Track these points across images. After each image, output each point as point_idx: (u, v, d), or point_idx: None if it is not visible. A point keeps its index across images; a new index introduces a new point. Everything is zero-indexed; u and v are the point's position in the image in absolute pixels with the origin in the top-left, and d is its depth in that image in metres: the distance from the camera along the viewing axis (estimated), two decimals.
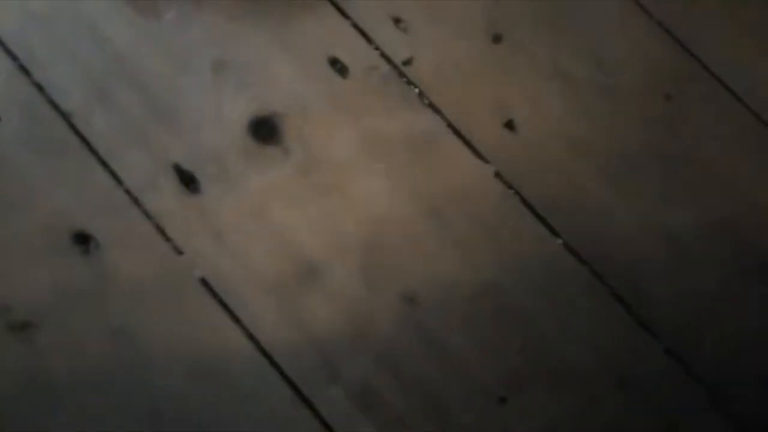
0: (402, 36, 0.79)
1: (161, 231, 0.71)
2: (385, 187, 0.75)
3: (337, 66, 0.78)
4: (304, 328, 0.70)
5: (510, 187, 0.76)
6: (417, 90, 0.78)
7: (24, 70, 0.74)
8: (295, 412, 0.68)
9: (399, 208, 0.75)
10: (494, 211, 0.75)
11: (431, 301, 0.72)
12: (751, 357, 0.74)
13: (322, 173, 0.75)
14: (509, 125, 0.78)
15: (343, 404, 0.69)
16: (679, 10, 0.82)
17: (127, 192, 0.72)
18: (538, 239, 0.75)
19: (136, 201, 0.72)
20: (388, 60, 0.78)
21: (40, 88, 0.74)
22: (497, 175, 0.76)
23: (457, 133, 0.77)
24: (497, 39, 0.80)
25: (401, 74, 0.78)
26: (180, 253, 0.71)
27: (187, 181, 0.73)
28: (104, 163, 0.72)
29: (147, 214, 0.72)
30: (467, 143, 0.77)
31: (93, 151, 0.73)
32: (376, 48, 0.79)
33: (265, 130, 0.75)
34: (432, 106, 0.78)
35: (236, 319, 0.70)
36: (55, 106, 0.73)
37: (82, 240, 0.70)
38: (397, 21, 0.79)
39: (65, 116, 0.73)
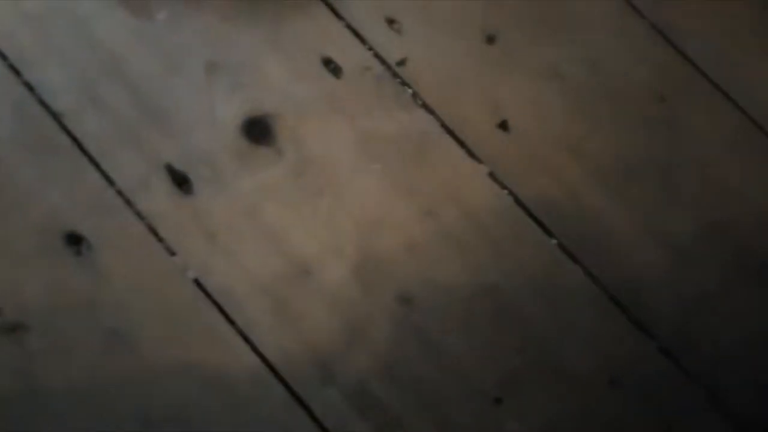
0: (396, 37, 0.79)
1: (154, 232, 0.71)
2: (379, 187, 0.75)
3: (331, 66, 0.77)
4: (298, 329, 0.70)
5: (504, 187, 0.76)
6: (411, 91, 0.78)
7: (14, 70, 0.73)
8: (290, 414, 0.68)
9: (393, 208, 0.74)
10: (488, 211, 0.75)
11: (426, 302, 0.72)
12: (748, 357, 0.74)
13: (315, 174, 0.74)
14: (503, 126, 0.78)
15: (338, 405, 0.69)
16: (674, 12, 0.83)
17: (120, 193, 0.72)
18: (532, 240, 0.75)
19: (128, 202, 0.71)
20: (382, 60, 0.78)
21: (30, 88, 0.73)
22: (491, 175, 0.76)
23: (451, 133, 0.77)
24: (491, 40, 0.80)
25: (395, 75, 0.78)
26: (173, 253, 0.71)
27: (180, 181, 0.73)
28: (96, 164, 0.72)
29: (139, 215, 0.71)
30: (461, 144, 0.77)
31: (85, 152, 0.72)
32: (370, 48, 0.78)
33: (258, 130, 0.75)
34: (426, 107, 0.77)
35: (230, 321, 0.69)
36: (46, 107, 0.73)
37: (74, 241, 0.70)
38: (390, 22, 0.79)
39: (56, 116, 0.73)
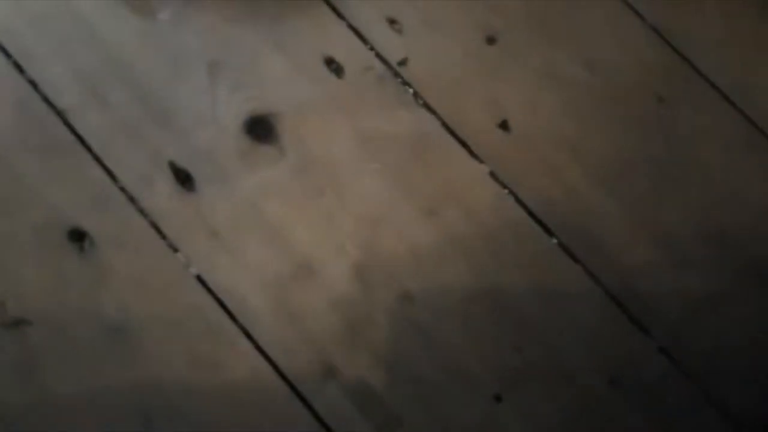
0: (397, 37, 0.79)
1: (157, 228, 0.71)
2: (380, 186, 0.75)
3: (333, 66, 0.78)
4: (300, 326, 0.70)
5: (504, 186, 0.76)
6: (412, 90, 0.78)
7: (18, 67, 0.74)
8: (291, 411, 0.68)
9: (394, 207, 0.75)
10: (489, 210, 0.76)
11: (427, 300, 0.72)
12: (747, 357, 0.74)
13: (317, 173, 0.75)
14: (503, 125, 0.78)
15: (339, 403, 0.69)
16: (672, 13, 0.83)
17: (123, 190, 0.72)
18: (532, 239, 0.75)
19: (131, 198, 0.72)
20: (383, 60, 0.79)
21: (34, 85, 0.73)
22: (492, 174, 0.77)
23: (452, 133, 0.77)
24: (491, 41, 0.80)
25: (396, 74, 0.78)
26: (175, 250, 0.71)
27: (183, 179, 0.73)
28: (99, 161, 0.72)
29: (142, 212, 0.71)
30: (462, 143, 0.77)
31: (88, 149, 0.72)
32: (371, 48, 0.79)
33: (260, 129, 0.75)
34: (427, 107, 0.78)
35: (232, 317, 0.70)
36: (49, 104, 0.73)
37: (77, 237, 0.70)
38: (392, 22, 0.80)
39: (60, 113, 0.73)
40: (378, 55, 0.79)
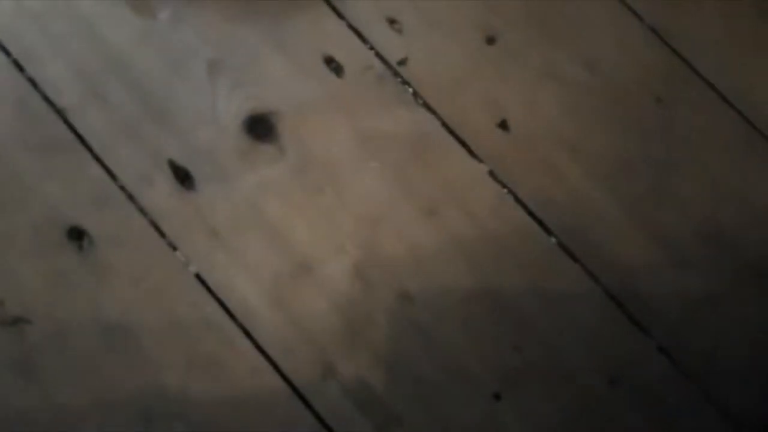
0: (397, 36, 0.79)
1: (156, 227, 0.71)
2: (379, 185, 0.75)
3: (333, 65, 0.78)
4: (299, 325, 0.70)
5: (504, 186, 0.76)
6: (411, 90, 0.78)
7: (18, 66, 0.74)
8: (291, 410, 0.68)
9: (393, 206, 0.75)
10: (488, 210, 0.76)
11: (426, 299, 0.72)
12: (745, 355, 0.74)
13: (316, 171, 0.75)
14: (503, 125, 0.78)
15: (339, 402, 0.69)
16: (671, 14, 0.83)
17: (122, 188, 0.72)
18: (532, 238, 0.75)
19: (130, 197, 0.71)
20: (383, 60, 0.79)
21: (34, 84, 0.73)
22: (491, 174, 0.77)
23: (452, 132, 0.77)
24: (491, 40, 0.81)
25: (396, 74, 0.78)
26: (175, 249, 0.71)
27: (183, 177, 0.73)
28: (99, 159, 0.72)
29: (142, 210, 0.71)
30: (461, 143, 0.77)
31: (87, 147, 0.72)
32: (371, 48, 0.79)
33: (260, 128, 0.75)
34: (426, 106, 0.78)
35: (231, 316, 0.69)
36: (49, 102, 0.73)
37: (77, 236, 0.70)
38: (391, 21, 0.80)
39: (59, 112, 0.73)
40: (378, 55, 0.79)
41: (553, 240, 0.75)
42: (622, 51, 0.82)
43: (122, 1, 0.77)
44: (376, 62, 0.78)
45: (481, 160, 0.77)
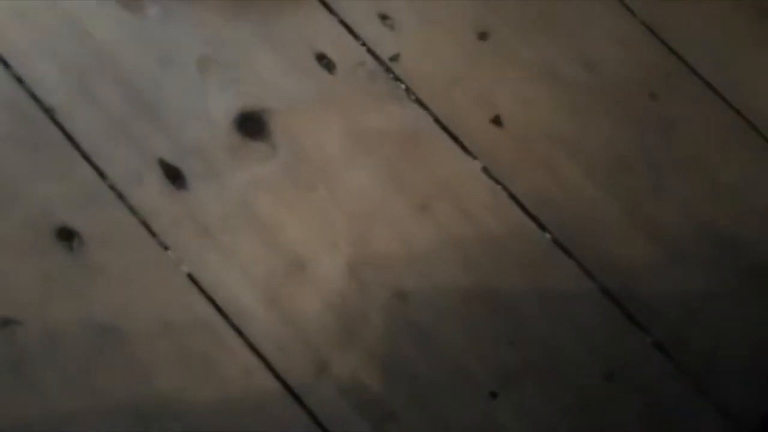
0: (389, 32, 0.79)
1: (147, 226, 0.70)
2: (372, 182, 0.75)
3: (324, 61, 0.77)
4: (293, 323, 0.69)
5: (498, 182, 0.76)
6: (404, 86, 0.78)
7: (5, 63, 0.73)
8: (284, 408, 0.67)
9: (386, 203, 0.74)
10: (482, 206, 0.75)
11: (420, 296, 0.72)
12: (739, 351, 0.74)
13: (309, 168, 0.74)
14: (496, 121, 0.78)
15: (333, 400, 0.68)
16: (664, 10, 0.83)
17: (112, 187, 0.71)
18: (526, 234, 0.75)
19: (121, 196, 0.71)
20: (375, 56, 0.78)
21: (21, 82, 0.72)
22: (485, 170, 0.76)
23: (445, 128, 0.77)
24: (483, 36, 0.80)
25: (388, 70, 0.78)
26: (166, 248, 0.70)
27: (173, 176, 0.72)
28: (88, 158, 0.71)
29: (132, 210, 0.71)
30: (454, 139, 0.77)
31: (76, 146, 0.71)
32: (363, 44, 0.78)
33: (251, 125, 0.74)
34: (419, 102, 0.77)
35: (224, 315, 0.69)
36: (37, 101, 0.72)
37: (66, 236, 0.69)
38: (383, 17, 0.79)
39: (48, 111, 0.72)
40: (370, 51, 0.78)
41: (548, 236, 0.75)
42: (617, 47, 0.82)
43: None
44: (368, 58, 0.78)
45: (474, 157, 0.76)
